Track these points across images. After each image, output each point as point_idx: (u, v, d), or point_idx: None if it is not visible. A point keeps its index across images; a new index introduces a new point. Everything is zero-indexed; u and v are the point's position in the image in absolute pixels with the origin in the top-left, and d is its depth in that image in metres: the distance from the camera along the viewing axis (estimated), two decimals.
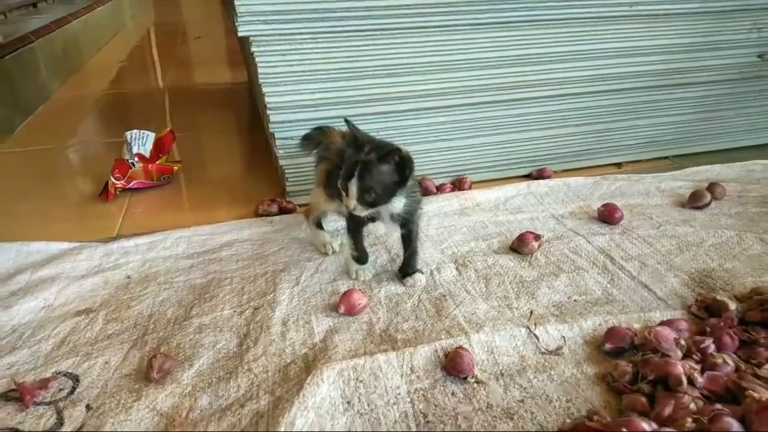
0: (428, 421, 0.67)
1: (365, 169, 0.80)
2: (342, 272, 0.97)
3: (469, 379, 0.72)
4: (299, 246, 1.06)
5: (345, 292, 0.87)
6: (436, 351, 0.76)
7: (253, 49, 1.09)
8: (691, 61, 1.37)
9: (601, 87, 1.34)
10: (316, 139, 1.01)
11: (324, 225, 1.06)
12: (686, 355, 0.74)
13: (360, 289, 0.89)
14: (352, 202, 0.82)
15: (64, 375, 0.76)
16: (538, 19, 1.21)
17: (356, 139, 0.84)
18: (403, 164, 0.82)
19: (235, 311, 0.88)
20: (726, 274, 0.93)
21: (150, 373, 0.73)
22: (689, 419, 0.63)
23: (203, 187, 1.35)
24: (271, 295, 0.91)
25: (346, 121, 0.88)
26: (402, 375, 0.73)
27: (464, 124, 1.28)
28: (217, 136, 1.73)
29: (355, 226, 0.94)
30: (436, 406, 0.69)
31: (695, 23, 1.33)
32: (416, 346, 0.77)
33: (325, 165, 0.98)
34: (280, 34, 1.09)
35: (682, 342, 0.74)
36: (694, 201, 1.16)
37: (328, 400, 0.69)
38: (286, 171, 1.21)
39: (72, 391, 0.73)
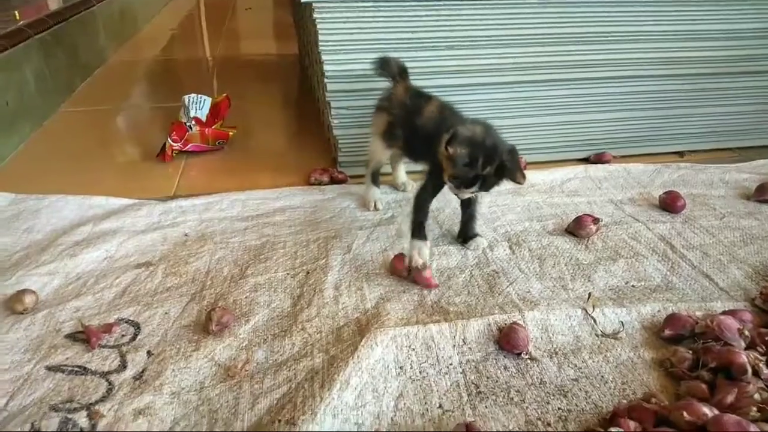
0: (480, 392, 0.67)
1: (485, 183, 0.85)
2: (393, 242, 0.97)
3: (522, 355, 0.72)
4: (350, 215, 1.07)
5: (397, 255, 0.89)
6: (489, 325, 0.76)
7: (315, 15, 1.09)
8: (760, 48, 1.30)
9: (665, 71, 1.28)
10: (392, 68, 1.04)
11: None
12: (749, 346, 0.71)
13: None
14: (466, 195, 0.89)
15: (126, 322, 0.79)
16: None
17: (474, 147, 0.82)
18: (503, 173, 0.84)
19: (288, 273, 0.89)
20: None
21: (209, 325, 0.75)
22: (754, 408, 0.61)
23: (254, 155, 1.37)
24: (323, 261, 0.92)
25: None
26: (454, 346, 0.73)
27: (521, 102, 1.25)
28: (268, 106, 1.74)
29: (427, 197, 0.91)
30: (488, 378, 0.69)
31: (766, 7, 1.26)
32: (469, 319, 0.77)
33: (387, 117, 1.02)
34: (342, 1, 1.08)
35: (746, 332, 0.72)
36: (761, 194, 1.11)
37: (382, 363, 0.70)
38: (340, 141, 1.21)
39: (134, 338, 0.76)
